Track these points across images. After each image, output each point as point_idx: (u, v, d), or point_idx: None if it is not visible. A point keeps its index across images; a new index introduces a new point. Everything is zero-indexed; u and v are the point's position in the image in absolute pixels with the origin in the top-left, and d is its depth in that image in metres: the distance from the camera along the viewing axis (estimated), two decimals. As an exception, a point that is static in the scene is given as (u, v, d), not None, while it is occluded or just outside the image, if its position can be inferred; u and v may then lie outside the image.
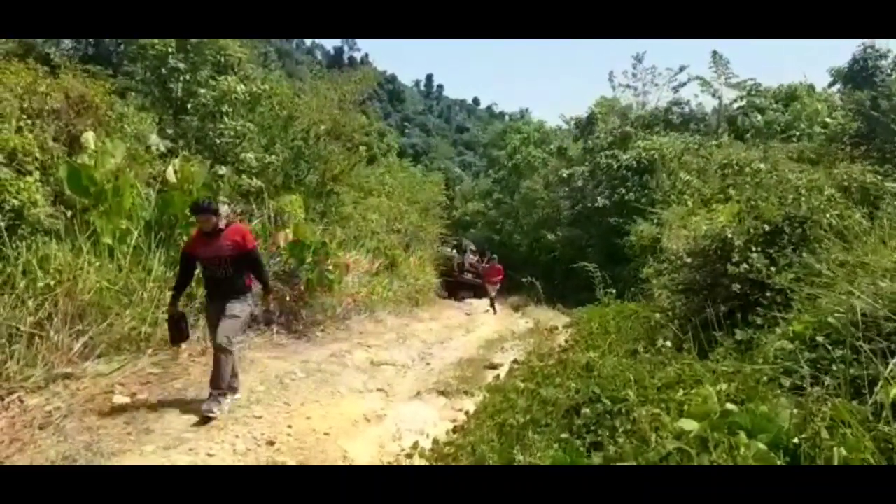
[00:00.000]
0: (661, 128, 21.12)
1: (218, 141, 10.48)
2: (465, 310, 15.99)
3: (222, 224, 4.58)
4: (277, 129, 12.50)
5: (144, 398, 4.65)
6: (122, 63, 12.10)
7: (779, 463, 1.64)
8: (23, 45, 9.75)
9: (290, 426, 4.45)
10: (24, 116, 6.49)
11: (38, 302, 4.85)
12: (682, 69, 22.77)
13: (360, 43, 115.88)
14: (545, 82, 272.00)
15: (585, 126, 24.31)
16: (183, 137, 10.36)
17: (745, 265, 4.12)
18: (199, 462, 3.64)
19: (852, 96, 13.66)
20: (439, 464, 3.47)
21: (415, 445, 3.81)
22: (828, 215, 4.41)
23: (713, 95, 21.53)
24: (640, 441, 2.18)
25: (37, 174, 5.93)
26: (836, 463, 1.61)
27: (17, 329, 4.55)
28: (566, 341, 6.30)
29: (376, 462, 3.95)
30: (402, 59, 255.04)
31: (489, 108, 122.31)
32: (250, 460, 3.80)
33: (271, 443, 4.09)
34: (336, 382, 5.85)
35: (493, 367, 7.05)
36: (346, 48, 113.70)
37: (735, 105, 20.83)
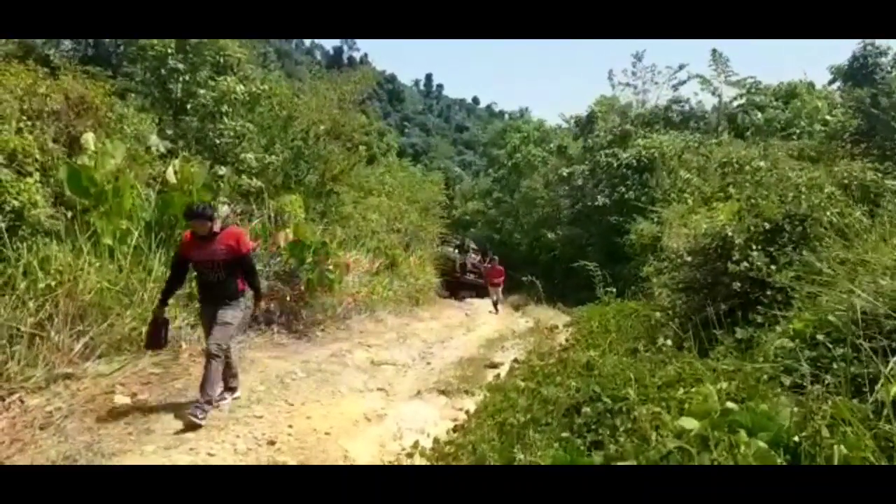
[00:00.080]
0: (660, 126, 21.13)
1: (218, 141, 10.48)
2: (466, 309, 15.97)
3: (217, 227, 4.49)
4: (277, 129, 12.50)
5: (145, 398, 4.66)
6: (122, 64, 12.10)
7: (779, 461, 1.64)
8: (22, 46, 9.75)
9: (290, 426, 4.45)
10: (24, 118, 6.49)
11: (39, 303, 4.85)
12: (681, 67, 22.80)
13: (360, 43, 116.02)
14: (545, 82, 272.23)
15: (585, 125, 24.33)
16: (183, 138, 10.37)
17: (745, 263, 4.12)
18: (199, 462, 3.65)
19: (852, 94, 13.66)
20: (440, 463, 3.47)
21: (415, 445, 3.81)
22: (828, 213, 4.41)
23: (713, 93, 21.54)
24: (641, 440, 2.19)
25: (37, 175, 5.93)
26: (836, 461, 1.61)
27: (18, 330, 4.55)
28: (566, 340, 6.30)
29: (377, 461, 3.95)
30: (401, 58, 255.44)
31: (489, 107, 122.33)
32: (251, 460, 3.81)
33: (272, 442, 4.09)
34: (336, 382, 5.85)
35: (494, 366, 7.05)
36: (345, 48, 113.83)
37: (735, 103, 20.84)
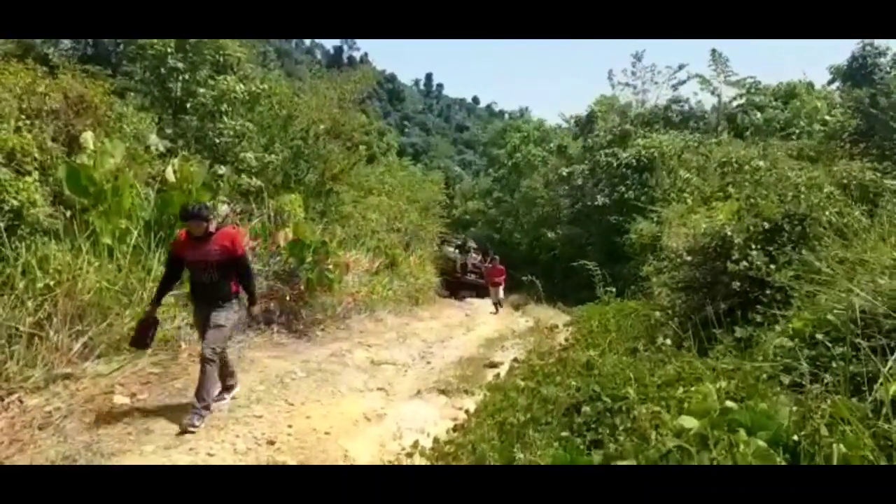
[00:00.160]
0: (660, 126, 21.16)
1: (217, 140, 10.47)
2: (466, 309, 15.97)
3: (213, 227, 4.41)
4: (277, 128, 12.49)
5: (144, 398, 4.65)
6: (121, 63, 12.08)
7: (778, 460, 1.64)
8: (21, 45, 9.74)
9: (290, 425, 4.45)
10: (23, 117, 6.49)
11: (38, 302, 4.84)
12: (681, 67, 22.84)
13: (360, 42, 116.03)
14: (545, 82, 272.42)
15: (585, 124, 24.35)
16: (182, 137, 10.35)
17: (744, 263, 4.12)
18: (199, 462, 3.65)
19: (851, 94, 13.68)
20: (440, 463, 3.48)
21: (415, 444, 3.81)
22: (827, 213, 4.42)
23: (712, 93, 21.57)
24: (641, 439, 2.19)
25: (36, 174, 5.92)
26: (835, 460, 1.61)
27: (17, 329, 4.55)
28: (566, 340, 6.30)
29: (377, 461, 3.96)
30: (401, 58, 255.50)
31: (489, 106, 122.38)
32: (251, 460, 3.81)
33: (272, 442, 4.09)
34: (336, 382, 5.85)
35: (494, 365, 7.05)
36: (345, 47, 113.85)
37: (734, 103, 20.87)
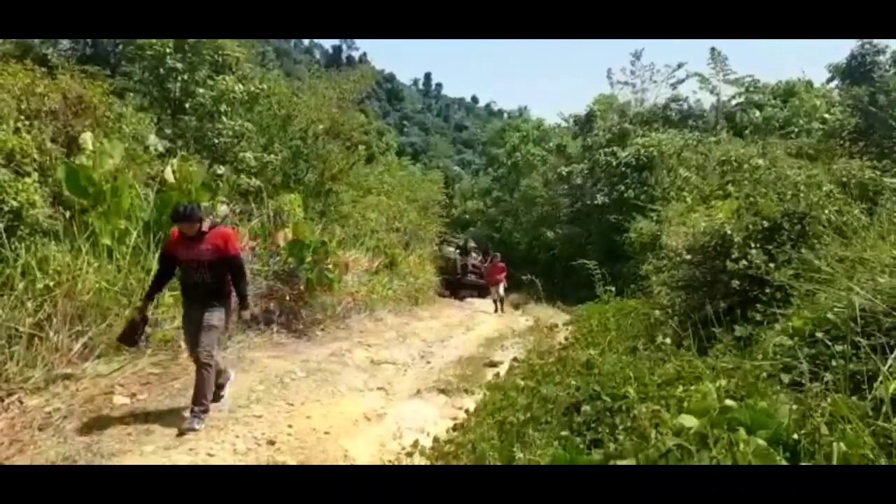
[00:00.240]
0: (659, 124, 21.18)
1: (216, 141, 10.46)
2: (466, 308, 15.96)
3: (206, 227, 4.33)
4: (276, 128, 12.48)
5: (144, 398, 4.65)
6: (120, 63, 12.07)
7: (778, 459, 1.64)
8: (20, 46, 9.72)
9: (290, 425, 4.45)
10: (22, 117, 6.48)
11: (38, 303, 4.84)
12: (680, 66, 22.88)
13: (359, 42, 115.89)
14: (545, 82, 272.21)
15: (584, 123, 24.36)
16: (181, 137, 10.35)
17: (744, 261, 4.12)
18: (199, 462, 3.65)
19: (850, 92, 13.69)
20: (440, 462, 3.48)
21: (415, 444, 3.81)
22: (826, 211, 4.42)
23: (711, 92, 21.62)
24: (641, 438, 2.19)
25: (35, 175, 5.92)
26: (835, 458, 1.61)
27: (17, 330, 4.55)
28: (566, 339, 6.31)
29: (377, 461, 3.96)
30: (400, 58, 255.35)
31: (488, 106, 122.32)
32: (251, 460, 3.81)
33: (272, 442, 4.09)
34: (336, 381, 5.85)
35: (494, 365, 7.06)
36: (344, 47, 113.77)
37: (733, 101, 20.91)
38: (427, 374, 6.69)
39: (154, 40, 9.93)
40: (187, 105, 10.69)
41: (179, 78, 10.49)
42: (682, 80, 22.87)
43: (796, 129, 16.65)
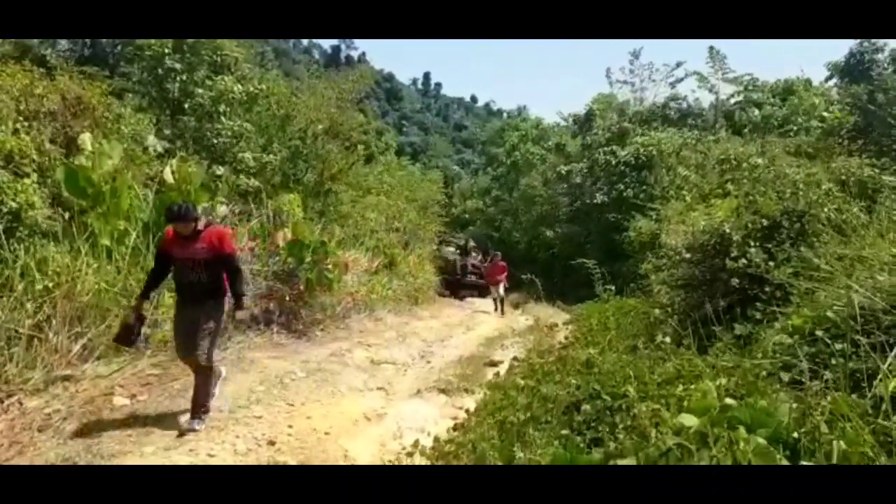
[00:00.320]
0: (658, 123, 21.19)
1: (215, 141, 10.46)
2: (466, 308, 15.94)
3: (201, 225, 4.25)
4: (275, 128, 12.48)
5: (144, 399, 4.65)
6: (119, 64, 12.06)
7: (778, 457, 1.64)
8: (19, 47, 9.72)
9: (290, 426, 4.45)
10: (21, 118, 6.47)
11: (37, 304, 4.83)
12: (679, 65, 22.89)
13: (358, 41, 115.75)
14: (545, 82, 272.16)
15: (583, 122, 24.37)
16: (180, 138, 10.35)
17: (743, 260, 4.13)
18: (199, 463, 3.65)
19: (849, 90, 13.68)
20: (440, 462, 3.48)
21: (415, 444, 3.82)
22: (826, 209, 4.42)
23: (710, 91, 21.62)
24: (641, 437, 2.19)
25: (34, 176, 5.92)
26: (835, 457, 1.61)
27: (16, 331, 4.54)
28: (566, 338, 6.32)
29: (377, 461, 3.96)
30: (399, 57, 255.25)
31: (487, 105, 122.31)
32: (251, 460, 3.81)
33: (272, 443, 4.09)
34: (336, 381, 5.85)
35: (494, 364, 7.06)
36: (343, 47, 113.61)
37: (732, 100, 20.90)
38: (427, 374, 6.69)
39: (153, 41, 9.92)
40: (186, 105, 10.68)
41: (178, 78, 10.49)
42: (681, 79, 22.89)
43: (795, 128, 16.64)
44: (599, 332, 6.13)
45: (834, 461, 1.61)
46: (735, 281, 4.16)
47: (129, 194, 6.58)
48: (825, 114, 15.60)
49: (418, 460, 3.63)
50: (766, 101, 19.72)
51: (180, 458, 3.69)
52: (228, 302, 4.45)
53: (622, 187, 17.97)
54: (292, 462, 3.84)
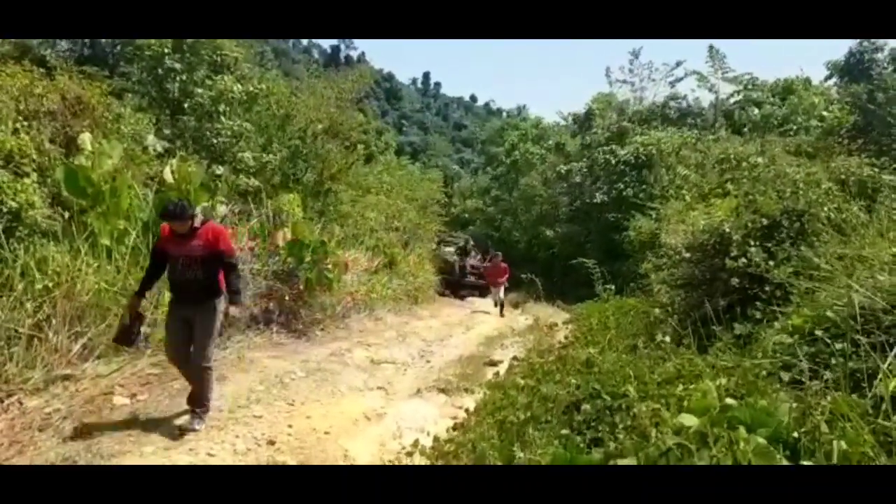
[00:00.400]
0: (658, 123, 21.20)
1: (215, 141, 10.45)
2: (466, 308, 15.91)
3: (197, 222, 4.19)
4: (274, 128, 12.47)
5: (144, 399, 4.65)
6: (119, 64, 12.05)
7: (778, 457, 1.64)
8: (18, 46, 9.71)
9: (290, 425, 4.45)
10: (21, 118, 6.46)
11: (37, 304, 4.83)
12: (678, 64, 22.89)
13: (357, 41, 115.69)
14: (545, 82, 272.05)
15: (583, 122, 24.38)
16: (180, 137, 10.33)
17: (743, 259, 4.13)
18: (199, 462, 3.64)
19: (849, 89, 13.69)
20: (440, 462, 3.48)
21: (415, 443, 3.82)
22: (826, 209, 4.43)
23: (710, 90, 21.64)
24: (641, 436, 2.19)
25: (34, 176, 5.91)
26: (835, 457, 1.61)
27: (16, 331, 4.54)
28: (566, 337, 6.32)
29: (377, 460, 3.96)
30: (399, 57, 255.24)
31: (486, 105, 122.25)
32: (251, 460, 3.81)
33: (272, 442, 4.09)
34: (336, 381, 5.85)
35: (494, 364, 7.06)
36: (342, 47, 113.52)
37: (732, 99, 20.92)
38: (427, 374, 6.69)
39: (152, 41, 9.92)
40: (186, 105, 10.67)
41: (178, 78, 10.48)
42: (681, 79, 22.90)
43: (795, 127, 16.65)
44: (599, 331, 6.13)
45: (834, 461, 1.61)
46: (735, 280, 4.16)
47: (128, 194, 6.58)
48: (825, 113, 15.61)
49: (418, 460, 3.63)
50: (766, 100, 19.73)
51: (180, 457, 3.69)
52: (224, 301, 4.37)
53: (622, 187, 17.98)
54: (292, 462, 3.84)
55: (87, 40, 11.89)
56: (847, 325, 2.48)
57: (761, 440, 1.68)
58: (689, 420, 1.87)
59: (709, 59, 21.15)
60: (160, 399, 4.70)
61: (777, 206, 4.62)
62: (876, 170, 5.69)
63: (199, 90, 10.58)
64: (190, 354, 4.18)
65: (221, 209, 8.00)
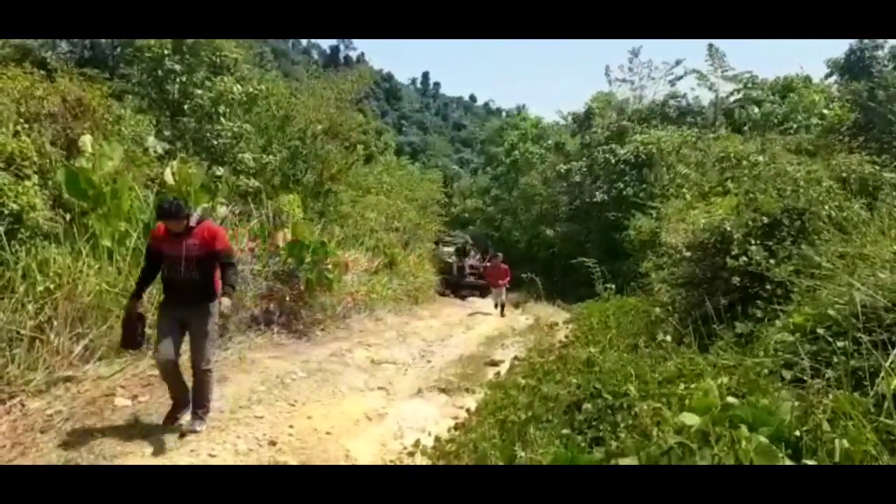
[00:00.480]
0: (658, 121, 21.18)
1: (215, 142, 10.46)
2: (466, 308, 15.90)
3: (193, 221, 4.13)
4: (274, 129, 12.48)
5: (146, 400, 4.65)
6: (119, 66, 12.07)
7: (780, 456, 1.63)
8: (19, 49, 9.73)
9: (291, 426, 4.45)
10: (22, 121, 6.47)
11: (38, 305, 4.83)
12: (678, 63, 22.87)
13: (356, 42, 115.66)
14: (545, 82, 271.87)
15: (583, 121, 24.34)
16: (180, 139, 10.35)
17: (744, 258, 4.12)
18: (200, 463, 3.65)
19: (849, 87, 13.67)
20: (441, 462, 3.48)
21: (416, 443, 3.82)
22: (826, 207, 4.42)
23: (710, 88, 21.60)
24: (642, 436, 2.19)
25: (35, 178, 5.91)
26: (837, 455, 1.61)
27: (18, 333, 4.54)
28: (566, 337, 6.31)
29: (378, 461, 3.96)
30: (398, 57, 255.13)
31: (486, 104, 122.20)
32: (252, 460, 3.81)
33: (273, 443, 4.09)
34: (337, 381, 5.85)
35: (494, 363, 7.06)
36: (342, 47, 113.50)
37: (732, 98, 20.88)
38: (428, 374, 6.69)
39: (152, 42, 9.93)
40: (186, 106, 10.68)
41: (178, 79, 10.49)
42: (681, 77, 22.86)
43: (795, 125, 16.62)
44: (600, 330, 6.13)
45: (836, 460, 1.61)
46: (736, 279, 4.16)
47: (129, 195, 6.58)
48: (825, 111, 15.59)
49: (419, 460, 3.64)
50: (766, 98, 19.70)
51: (182, 458, 3.69)
52: (220, 304, 4.26)
53: (622, 186, 17.96)
54: (293, 462, 3.84)
55: (87, 42, 11.91)
56: (849, 324, 2.48)
57: (763, 439, 1.68)
58: (691, 419, 1.87)
59: (708, 57, 21.12)
60: (162, 400, 4.69)
61: (778, 205, 4.62)
62: (877, 167, 5.69)
63: (199, 91, 10.60)
64: (178, 359, 4.10)
65: (222, 210, 8.01)
